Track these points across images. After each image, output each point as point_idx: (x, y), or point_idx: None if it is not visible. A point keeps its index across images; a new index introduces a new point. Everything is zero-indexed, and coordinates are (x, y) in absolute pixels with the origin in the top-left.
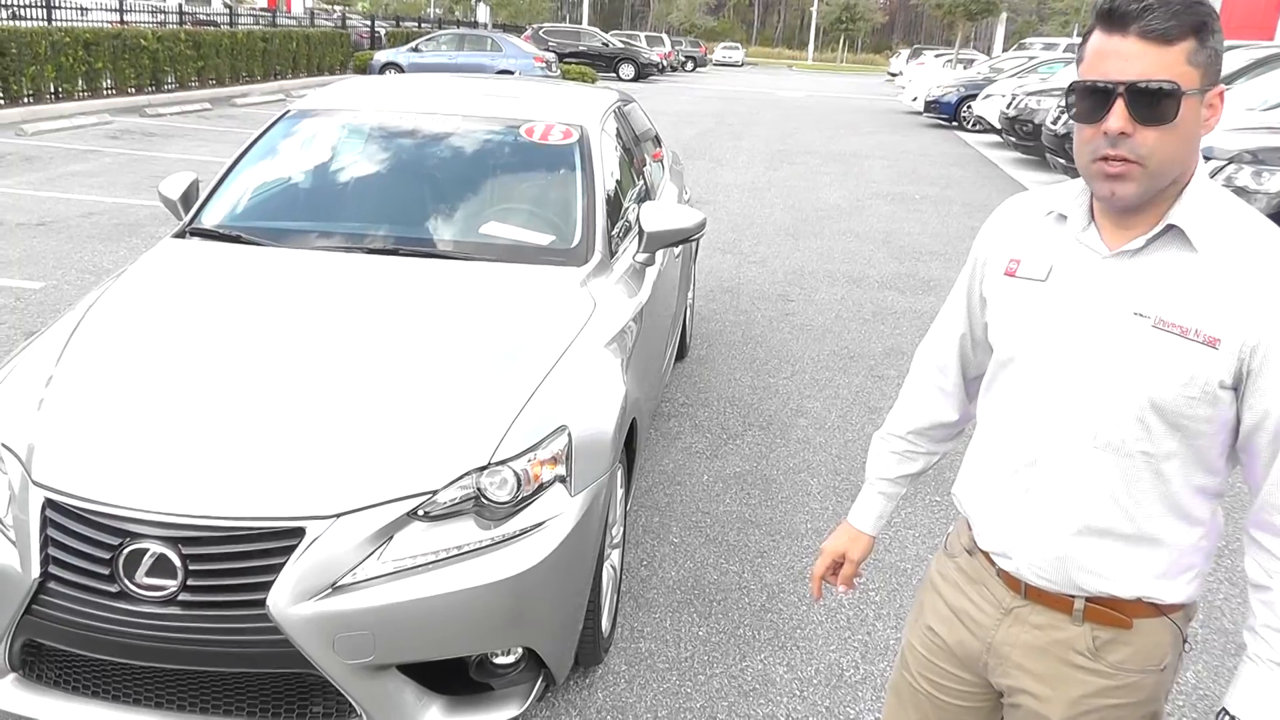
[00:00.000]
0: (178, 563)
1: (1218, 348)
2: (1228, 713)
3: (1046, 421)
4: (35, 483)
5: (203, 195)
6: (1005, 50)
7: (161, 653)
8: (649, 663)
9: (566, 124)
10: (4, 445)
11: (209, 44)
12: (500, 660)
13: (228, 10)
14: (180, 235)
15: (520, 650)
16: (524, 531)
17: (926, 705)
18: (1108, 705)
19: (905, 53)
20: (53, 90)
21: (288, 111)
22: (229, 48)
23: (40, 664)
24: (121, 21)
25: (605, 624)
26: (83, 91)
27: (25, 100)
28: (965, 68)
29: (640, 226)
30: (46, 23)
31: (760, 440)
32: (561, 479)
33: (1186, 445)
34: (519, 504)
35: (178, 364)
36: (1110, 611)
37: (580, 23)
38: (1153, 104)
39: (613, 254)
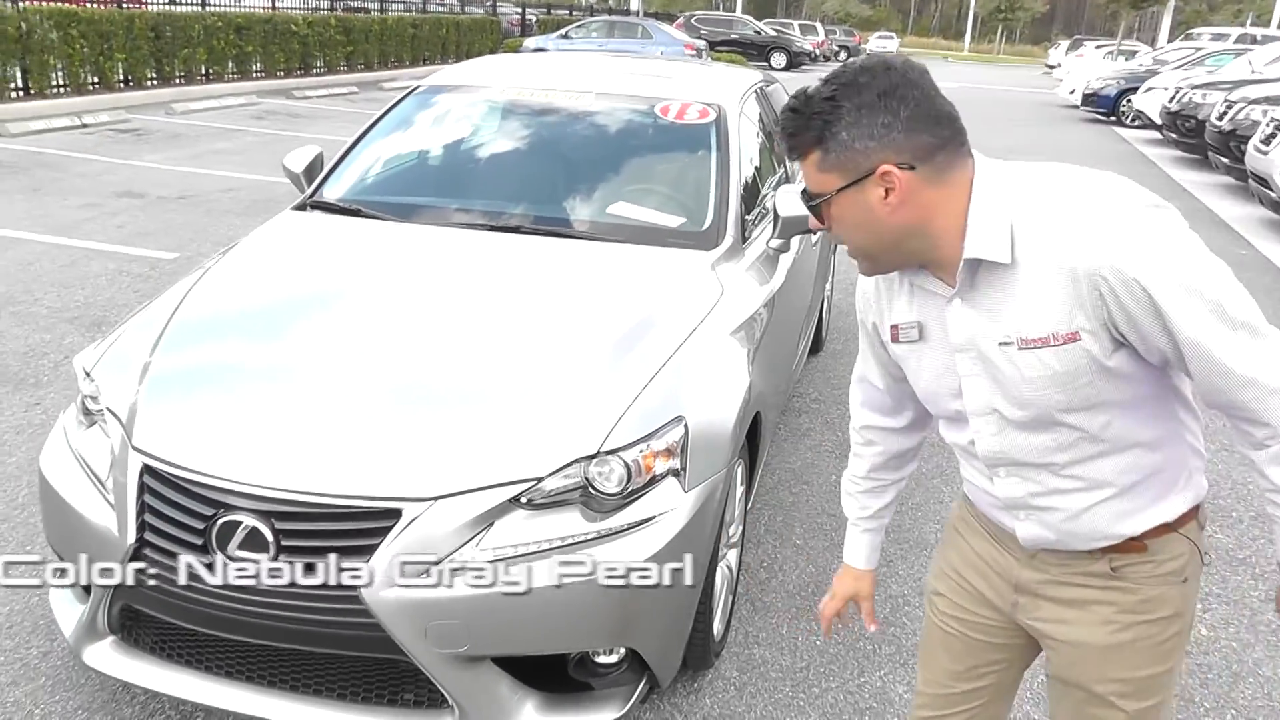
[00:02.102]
0: (270, 537)
1: (1081, 338)
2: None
3: (995, 459)
4: (135, 448)
5: (326, 168)
6: (1171, 41)
7: (250, 627)
8: (761, 671)
9: (704, 103)
10: (108, 409)
11: (359, 30)
12: (602, 659)
13: None
14: (300, 208)
15: (623, 650)
16: (632, 526)
17: (957, 644)
18: (1138, 622)
19: (1064, 44)
20: (203, 72)
21: (417, 87)
22: (379, 33)
23: (139, 629)
24: (273, 7)
25: (718, 627)
26: (232, 74)
27: (177, 81)
28: (1127, 59)
29: (776, 211)
30: (200, 7)
31: None
32: (675, 472)
33: (1118, 410)
34: (628, 496)
35: (284, 336)
36: (1123, 541)
37: (733, 11)
38: (812, 210)
39: (745, 239)
